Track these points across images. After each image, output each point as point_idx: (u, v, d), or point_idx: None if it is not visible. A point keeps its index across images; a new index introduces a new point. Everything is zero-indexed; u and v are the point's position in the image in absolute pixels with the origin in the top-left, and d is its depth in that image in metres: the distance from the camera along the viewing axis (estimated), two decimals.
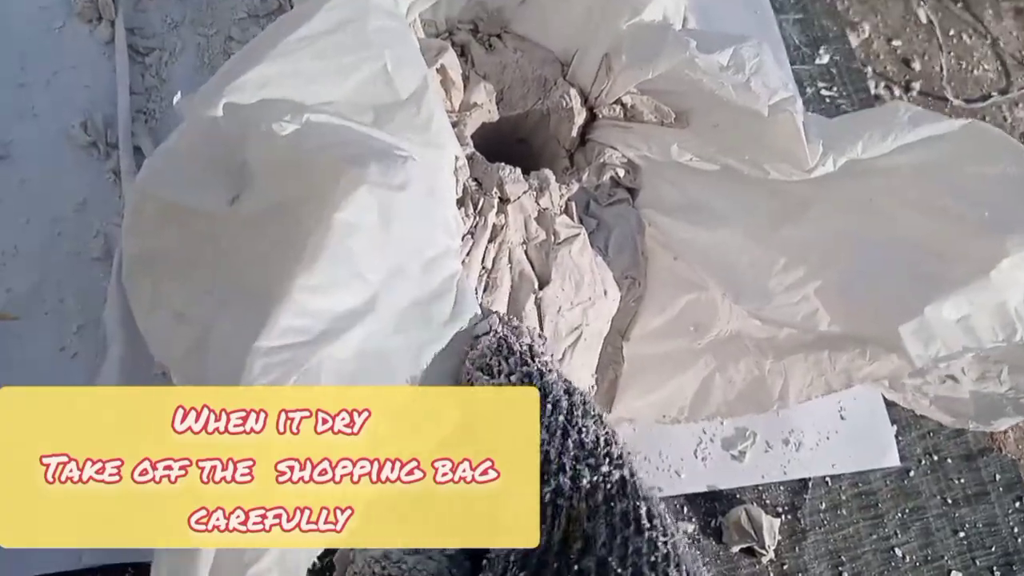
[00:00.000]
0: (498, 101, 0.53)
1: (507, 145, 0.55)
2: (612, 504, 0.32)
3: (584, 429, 0.34)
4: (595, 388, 0.51)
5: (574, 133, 0.52)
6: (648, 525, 0.31)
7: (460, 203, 0.48)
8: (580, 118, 0.52)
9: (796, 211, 0.47)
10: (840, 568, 0.54)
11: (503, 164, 0.49)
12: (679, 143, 0.49)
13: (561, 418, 0.34)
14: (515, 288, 0.49)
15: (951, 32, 0.81)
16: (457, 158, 0.46)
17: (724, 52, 0.46)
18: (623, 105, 0.51)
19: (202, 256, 0.36)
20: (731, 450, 0.55)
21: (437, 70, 0.50)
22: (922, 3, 0.81)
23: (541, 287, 0.49)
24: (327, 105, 0.38)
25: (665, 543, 0.30)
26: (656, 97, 0.50)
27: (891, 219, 0.45)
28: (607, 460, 0.33)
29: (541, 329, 0.50)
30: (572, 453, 0.33)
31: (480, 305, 0.43)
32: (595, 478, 0.32)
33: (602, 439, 0.34)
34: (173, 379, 0.36)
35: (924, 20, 0.79)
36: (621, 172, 0.51)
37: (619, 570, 0.29)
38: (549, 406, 0.35)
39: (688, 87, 0.47)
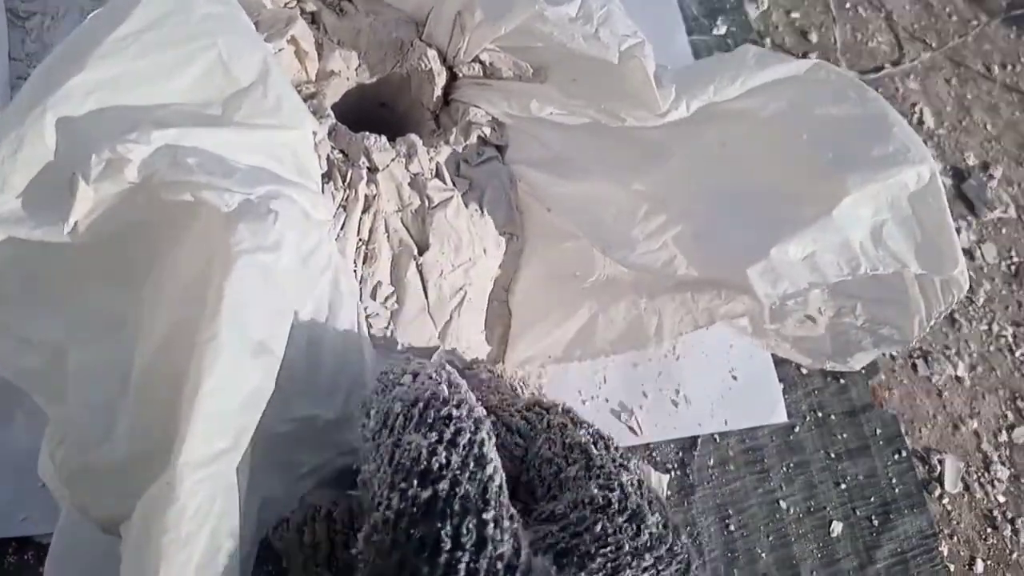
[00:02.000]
0: (356, 67, 0.51)
1: (370, 111, 0.54)
2: None
3: None
4: (486, 345, 0.53)
5: (437, 94, 0.52)
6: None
7: (328, 177, 0.47)
8: (441, 79, 0.51)
9: (656, 159, 0.48)
10: (727, 520, 0.55)
11: (368, 133, 0.48)
12: (538, 98, 0.49)
13: None
14: (395, 256, 0.49)
15: (847, 5, 0.83)
16: (315, 133, 0.45)
17: (573, 4, 0.46)
18: (482, 63, 0.50)
19: (42, 280, 0.35)
20: (623, 410, 0.56)
21: (288, 41, 0.48)
22: None
23: (421, 253, 0.49)
24: (167, 108, 0.35)
25: None
26: (514, 53, 0.49)
27: (743, 164, 0.46)
28: None
29: (425, 294, 0.50)
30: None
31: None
32: None
33: None
34: (33, 397, 0.35)
35: None
36: (487, 130, 0.51)
37: None
38: None
39: (544, 42, 0.47)
